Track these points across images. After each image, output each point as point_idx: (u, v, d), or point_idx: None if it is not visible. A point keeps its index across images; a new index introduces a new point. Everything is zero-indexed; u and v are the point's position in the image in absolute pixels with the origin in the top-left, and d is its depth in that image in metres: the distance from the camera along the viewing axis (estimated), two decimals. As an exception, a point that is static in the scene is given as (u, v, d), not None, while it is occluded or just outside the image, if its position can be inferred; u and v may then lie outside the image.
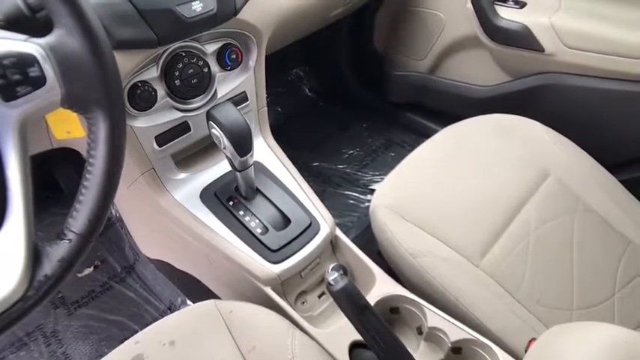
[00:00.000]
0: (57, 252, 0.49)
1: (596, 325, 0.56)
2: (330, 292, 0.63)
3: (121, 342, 1.18)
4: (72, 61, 0.46)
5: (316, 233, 0.90)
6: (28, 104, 0.45)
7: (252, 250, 0.85)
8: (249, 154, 0.81)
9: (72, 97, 0.47)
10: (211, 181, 0.93)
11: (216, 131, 0.79)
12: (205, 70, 0.86)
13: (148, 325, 1.16)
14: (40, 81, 0.45)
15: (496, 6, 1.29)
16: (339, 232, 0.94)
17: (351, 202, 1.44)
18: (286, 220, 0.90)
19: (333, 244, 0.94)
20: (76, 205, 0.50)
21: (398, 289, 0.85)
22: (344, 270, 0.64)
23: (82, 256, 0.50)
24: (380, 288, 0.85)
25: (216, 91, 0.90)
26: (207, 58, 0.86)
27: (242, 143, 0.79)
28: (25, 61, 0.44)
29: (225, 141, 0.78)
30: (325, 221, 0.92)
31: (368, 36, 1.65)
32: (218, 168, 0.95)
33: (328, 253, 0.94)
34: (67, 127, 0.64)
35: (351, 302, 0.63)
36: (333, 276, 0.64)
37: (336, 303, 0.65)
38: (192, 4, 0.74)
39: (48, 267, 0.48)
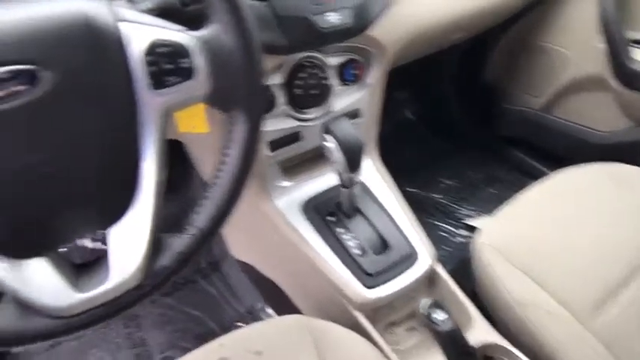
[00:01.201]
0: (177, 244, 0.49)
1: None
2: (435, 332, 0.59)
3: (196, 337, 1.20)
4: (223, 58, 0.46)
5: (415, 263, 0.86)
6: (175, 94, 0.45)
7: (347, 271, 0.82)
8: (359, 170, 0.79)
9: (217, 93, 0.47)
10: (314, 193, 0.91)
11: (330, 144, 0.78)
12: (325, 82, 0.85)
13: (224, 324, 1.17)
14: (189, 73, 0.45)
15: (631, 48, 1.20)
16: (437, 266, 0.90)
17: (444, 234, 1.38)
18: (385, 245, 0.86)
19: (429, 277, 0.90)
20: (201, 201, 0.50)
21: (496, 338, 0.79)
22: (446, 310, 0.60)
23: (200, 251, 0.50)
24: (477, 333, 0.79)
25: (332, 104, 0.89)
26: (328, 70, 0.85)
27: (354, 159, 0.78)
28: (178, 52, 0.45)
29: (338, 155, 0.77)
30: (426, 252, 0.88)
31: (480, 64, 1.59)
32: (322, 181, 0.93)
33: (424, 286, 0.90)
34: (194, 122, 0.65)
35: (456, 347, 0.59)
36: (439, 315, 0.59)
37: (438, 344, 0.60)
38: (328, 14, 0.73)
39: (167, 258, 0.48)
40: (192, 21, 0.52)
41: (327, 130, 0.78)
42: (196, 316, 1.24)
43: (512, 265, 0.85)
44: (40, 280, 0.44)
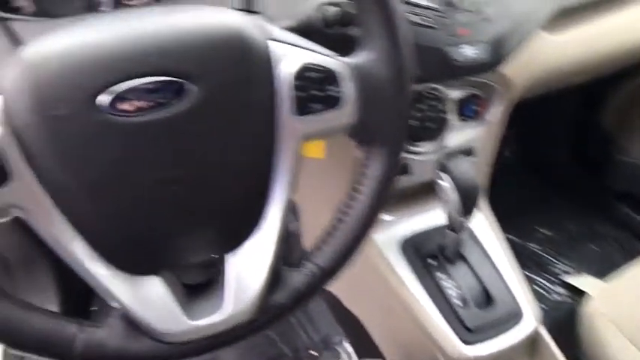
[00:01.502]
0: (295, 280, 0.45)
1: None
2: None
3: (267, 358, 1.17)
4: (373, 89, 0.43)
5: (520, 322, 0.78)
6: (317, 122, 0.42)
7: (445, 322, 0.76)
8: (471, 215, 0.73)
9: (360, 126, 0.43)
10: (416, 231, 0.86)
11: (445, 184, 0.73)
12: (443, 115, 0.80)
13: (297, 350, 1.13)
14: (336, 102, 0.42)
15: None
16: (541, 328, 0.82)
17: (539, 289, 1.27)
18: (489, 298, 0.79)
19: (532, 338, 0.82)
20: (324, 236, 0.46)
21: None
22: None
23: (318, 291, 0.46)
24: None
25: (446, 139, 0.83)
26: (448, 104, 0.80)
27: (469, 203, 0.73)
28: (328, 79, 0.41)
29: (452, 196, 0.72)
30: (531, 311, 0.80)
31: (598, 109, 1.47)
32: (426, 219, 0.88)
33: (524, 348, 0.82)
34: (312, 146, 0.62)
35: None
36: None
37: None
38: (464, 47, 0.68)
39: (283, 294, 0.45)
40: (331, 42, 0.49)
41: (442, 168, 0.74)
42: (270, 337, 1.20)
43: (628, 340, 0.75)
44: (153, 300, 0.42)
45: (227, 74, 0.38)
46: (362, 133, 0.44)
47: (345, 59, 0.43)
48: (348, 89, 0.42)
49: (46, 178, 0.37)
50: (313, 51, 0.42)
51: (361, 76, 0.42)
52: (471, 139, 0.86)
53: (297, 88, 0.41)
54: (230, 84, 0.39)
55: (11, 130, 0.36)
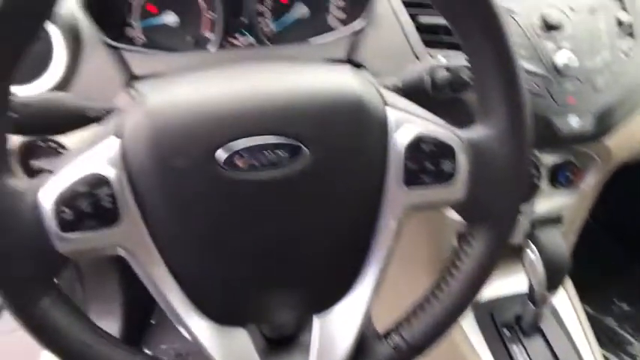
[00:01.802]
0: (380, 352, 0.44)
1: None
2: None
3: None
4: (490, 167, 0.41)
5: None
6: (425, 195, 0.41)
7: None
8: (556, 290, 0.69)
9: (470, 203, 0.42)
10: (493, 297, 0.82)
11: (532, 255, 0.69)
12: (535, 181, 0.76)
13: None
14: (448, 177, 0.40)
15: None
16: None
17: (614, 370, 1.18)
18: (565, 381, 0.74)
19: None
20: (415, 310, 0.44)
21: None
22: None
23: None
24: None
25: (535, 205, 0.79)
26: (541, 169, 0.77)
27: (556, 278, 0.69)
28: (443, 152, 0.40)
29: (538, 268, 0.68)
30: None
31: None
32: (504, 284, 0.84)
33: None
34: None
35: None
36: None
37: None
38: (570, 117, 0.65)
39: None
40: (438, 106, 0.48)
41: (530, 236, 0.70)
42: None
43: None
44: (236, 351, 0.42)
45: (342, 140, 0.38)
46: (470, 209, 0.42)
47: (461, 133, 0.41)
48: (461, 164, 0.40)
49: (154, 225, 0.37)
50: (429, 121, 0.41)
51: (477, 151, 0.40)
52: (561, 207, 0.82)
53: (409, 158, 0.39)
54: (344, 149, 0.38)
55: (126, 174, 0.36)
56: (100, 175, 0.36)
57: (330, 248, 0.41)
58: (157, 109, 0.37)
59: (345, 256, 0.42)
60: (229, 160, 0.36)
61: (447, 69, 0.52)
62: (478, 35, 0.39)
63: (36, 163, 0.57)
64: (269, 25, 0.69)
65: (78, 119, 0.46)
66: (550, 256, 0.67)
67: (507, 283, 0.83)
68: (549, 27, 0.66)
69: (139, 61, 0.59)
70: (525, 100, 0.40)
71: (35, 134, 0.54)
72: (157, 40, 0.67)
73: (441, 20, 0.64)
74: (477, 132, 0.41)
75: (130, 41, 0.66)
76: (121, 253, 0.38)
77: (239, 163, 0.36)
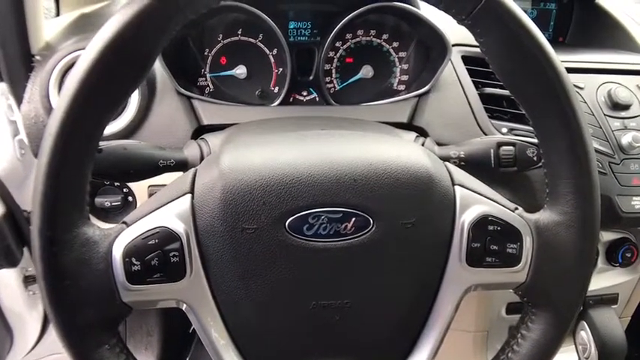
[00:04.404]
0: None
1: None
2: None
3: None
4: (556, 252, 0.40)
5: None
6: (487, 276, 0.41)
7: None
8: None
9: (533, 287, 0.41)
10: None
11: (585, 336, 0.66)
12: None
13: None
14: (513, 260, 0.40)
15: None
16: None
17: None
18: None
19: None
20: None
21: None
22: None
23: None
24: None
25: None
26: (598, 245, 0.74)
27: None
28: (508, 235, 0.40)
29: (592, 350, 0.65)
30: None
31: None
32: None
33: None
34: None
35: None
36: None
37: None
38: (635, 200, 0.63)
39: None
40: (500, 182, 0.48)
41: (584, 317, 0.67)
42: None
43: None
44: None
45: (411, 215, 0.38)
46: (532, 293, 0.42)
47: (529, 216, 0.41)
48: (527, 248, 0.40)
49: (216, 283, 0.38)
50: (496, 202, 0.41)
51: (544, 236, 0.40)
52: (617, 287, 0.78)
53: (474, 238, 0.39)
54: (412, 225, 0.38)
55: (194, 230, 0.37)
56: (169, 229, 0.37)
57: (387, 321, 0.41)
58: (231, 169, 0.38)
59: (400, 330, 0.41)
60: (298, 228, 0.37)
61: (513, 145, 0.52)
62: (552, 117, 0.39)
63: (98, 201, 0.59)
64: (334, 83, 0.70)
65: (150, 169, 0.48)
66: (605, 338, 0.64)
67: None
68: (616, 106, 0.65)
69: (207, 111, 0.61)
70: (597, 190, 0.39)
71: (110, 179, 0.56)
72: (226, 91, 0.69)
73: (503, 92, 0.65)
74: (545, 216, 0.41)
75: (201, 91, 0.69)
76: (182, 307, 0.39)
77: (307, 231, 0.37)
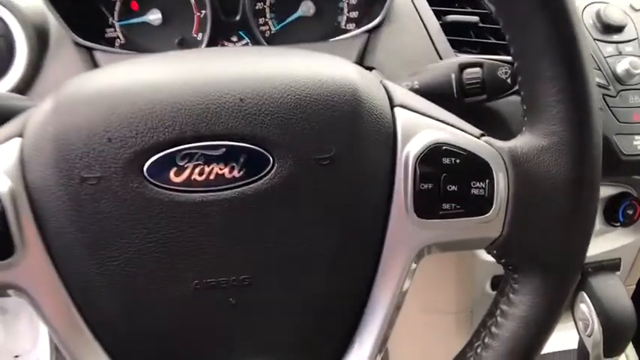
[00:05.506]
0: None
1: None
2: None
3: None
4: (540, 192, 0.29)
5: None
6: (446, 231, 0.29)
7: None
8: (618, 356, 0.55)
9: (512, 244, 0.30)
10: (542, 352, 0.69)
11: (586, 310, 0.56)
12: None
13: None
14: (480, 205, 0.29)
15: None
16: None
17: None
18: None
19: None
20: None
21: None
22: None
23: None
24: None
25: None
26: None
27: (617, 341, 0.55)
28: (473, 169, 0.28)
29: (595, 329, 0.55)
30: None
31: None
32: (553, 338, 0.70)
33: None
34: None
35: None
36: None
37: None
38: (634, 137, 0.53)
39: None
40: (464, 116, 0.36)
41: (583, 287, 0.57)
42: None
43: None
44: None
45: (327, 151, 0.27)
46: (512, 252, 0.30)
47: (501, 144, 0.30)
48: (499, 188, 0.28)
49: (61, 258, 0.27)
50: (454, 126, 0.29)
51: (523, 168, 0.29)
52: (619, 250, 0.68)
53: (424, 177, 0.28)
54: (330, 165, 0.27)
55: (24, 187, 0.27)
56: None
57: (308, 303, 0.29)
58: (68, 97, 0.27)
59: (333, 315, 0.30)
60: (162, 174, 0.26)
61: (480, 65, 0.41)
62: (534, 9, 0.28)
63: None
64: (269, 24, 0.59)
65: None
66: (610, 311, 0.54)
67: (556, 339, 0.70)
68: (607, 28, 0.54)
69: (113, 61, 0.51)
70: (594, 97, 0.28)
71: None
72: (139, 42, 0.58)
73: (470, 18, 0.55)
74: (524, 141, 0.29)
75: (111, 44, 0.58)
76: (17, 296, 0.28)
77: (175, 178, 0.26)
